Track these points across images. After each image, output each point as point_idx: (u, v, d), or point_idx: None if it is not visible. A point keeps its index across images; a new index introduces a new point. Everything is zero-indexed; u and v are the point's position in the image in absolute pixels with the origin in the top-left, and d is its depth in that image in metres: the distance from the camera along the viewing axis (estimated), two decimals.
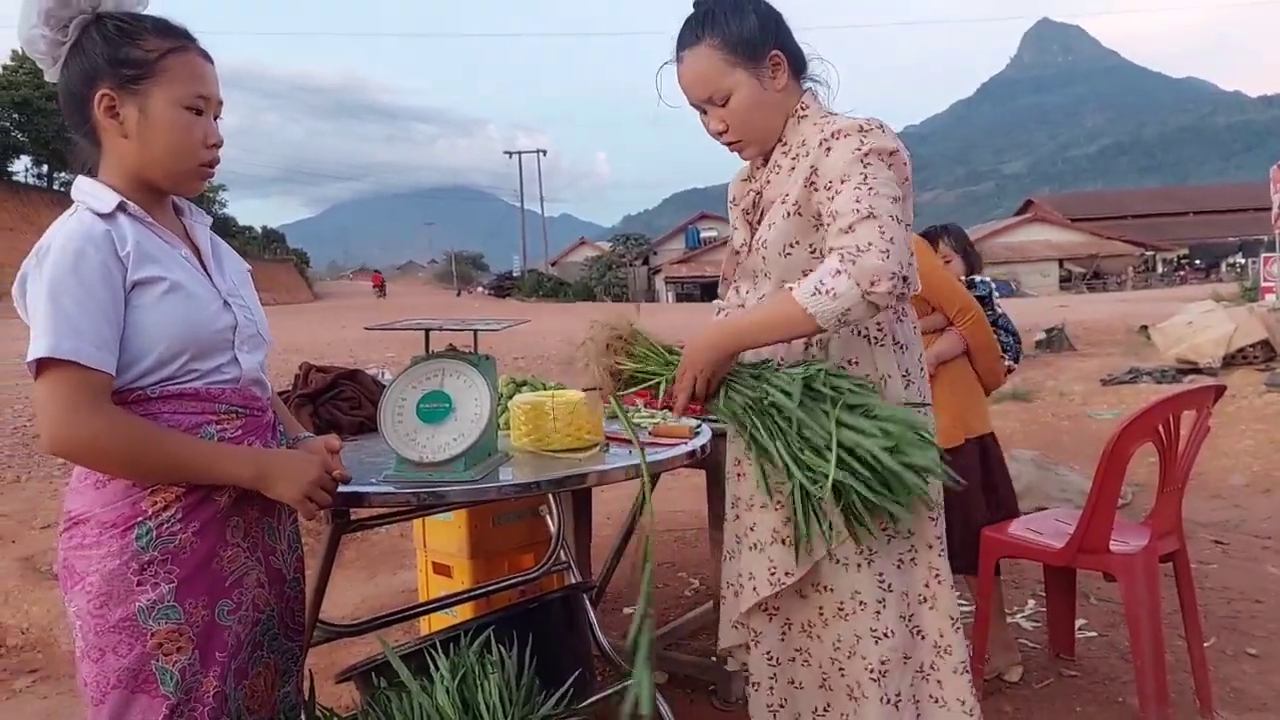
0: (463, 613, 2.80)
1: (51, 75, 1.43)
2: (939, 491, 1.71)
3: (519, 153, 63.64)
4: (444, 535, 3.04)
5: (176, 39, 1.43)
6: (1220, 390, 2.61)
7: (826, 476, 1.51)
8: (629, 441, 2.13)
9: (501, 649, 1.74)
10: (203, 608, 1.41)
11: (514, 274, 62.89)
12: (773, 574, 1.73)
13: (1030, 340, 13.41)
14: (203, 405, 1.42)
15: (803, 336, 1.60)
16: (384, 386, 2.29)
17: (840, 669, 1.72)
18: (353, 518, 2.05)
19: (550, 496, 2.87)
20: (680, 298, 48.07)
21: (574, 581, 2.75)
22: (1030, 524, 2.77)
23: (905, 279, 1.48)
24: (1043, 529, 2.70)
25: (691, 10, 1.72)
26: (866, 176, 1.54)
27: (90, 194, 1.40)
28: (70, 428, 1.30)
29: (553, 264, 63.73)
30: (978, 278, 3.33)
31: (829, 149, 1.60)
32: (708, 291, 42.05)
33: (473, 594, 2.75)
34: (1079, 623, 3.15)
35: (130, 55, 1.39)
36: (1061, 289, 45.37)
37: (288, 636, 1.60)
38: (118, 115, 1.39)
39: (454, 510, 2.89)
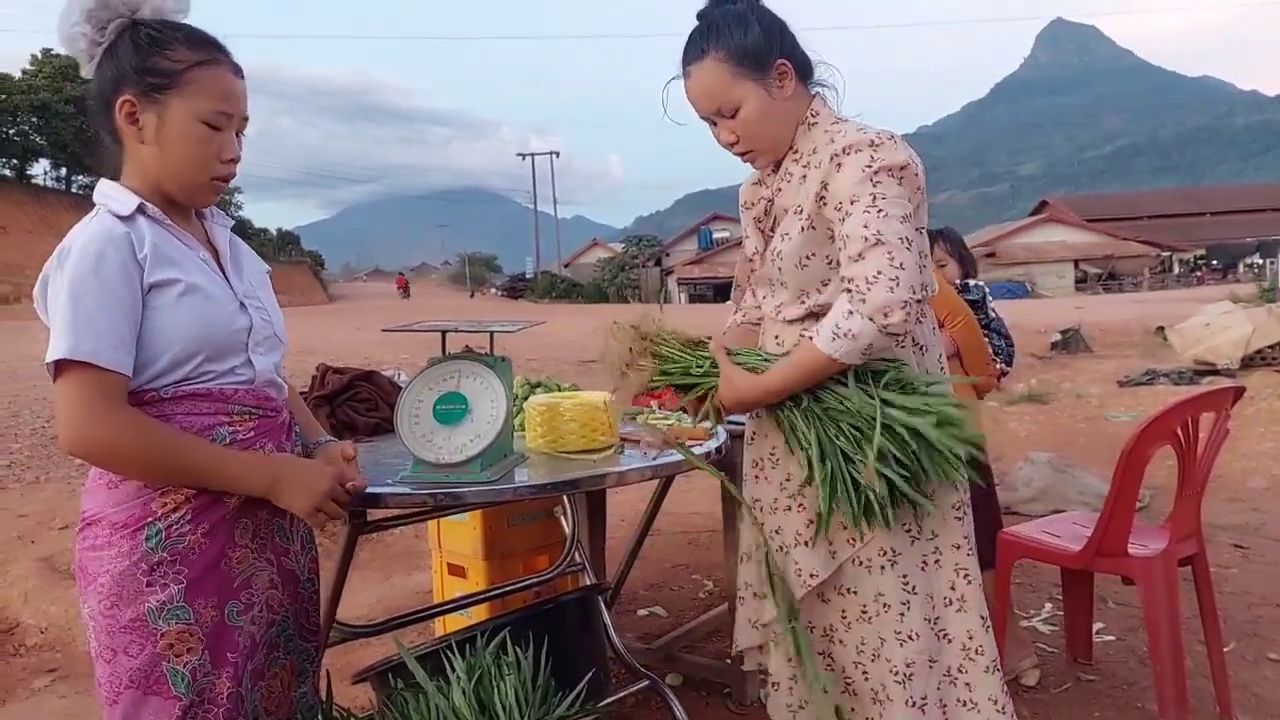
0: (478, 614, 2.80)
1: (87, 72, 1.44)
2: (965, 489, 1.71)
3: (532, 155, 63.81)
4: (459, 536, 3.04)
5: (207, 52, 1.44)
6: (1239, 392, 2.59)
7: (870, 455, 1.53)
8: (642, 443, 2.14)
9: (517, 650, 1.75)
10: (212, 608, 1.41)
11: (527, 275, 63.00)
12: (799, 576, 1.73)
13: (1046, 342, 13.34)
14: (216, 406, 1.43)
15: (832, 374, 1.60)
16: (400, 388, 2.30)
17: (864, 672, 1.71)
18: (369, 519, 2.06)
19: (565, 498, 2.87)
20: (693, 298, 48.03)
21: (589, 583, 2.75)
22: (1047, 527, 2.76)
23: (919, 301, 1.51)
24: (1060, 532, 2.68)
25: (695, 24, 1.71)
26: (875, 197, 1.55)
27: (111, 196, 1.41)
28: (88, 429, 1.31)
29: (565, 265, 63.80)
30: (972, 281, 3.36)
31: (839, 164, 1.60)
32: (720, 292, 42.01)
33: (488, 595, 2.76)
34: (1097, 626, 3.13)
35: (157, 65, 1.40)
36: (1077, 290, 45.09)
37: (303, 637, 1.61)
38: (137, 122, 1.41)
39: (469, 511, 2.89)
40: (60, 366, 1.31)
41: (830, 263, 1.67)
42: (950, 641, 1.69)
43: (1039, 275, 46.08)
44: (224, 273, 1.50)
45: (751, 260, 1.83)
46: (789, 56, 1.69)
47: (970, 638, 1.68)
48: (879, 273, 1.50)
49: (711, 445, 2.15)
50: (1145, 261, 49.14)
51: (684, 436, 2.15)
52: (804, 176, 1.68)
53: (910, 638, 1.66)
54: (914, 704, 1.65)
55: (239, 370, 1.46)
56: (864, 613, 1.70)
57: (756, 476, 1.84)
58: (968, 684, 1.68)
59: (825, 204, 1.63)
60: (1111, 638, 3.16)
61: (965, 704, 1.68)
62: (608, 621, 2.40)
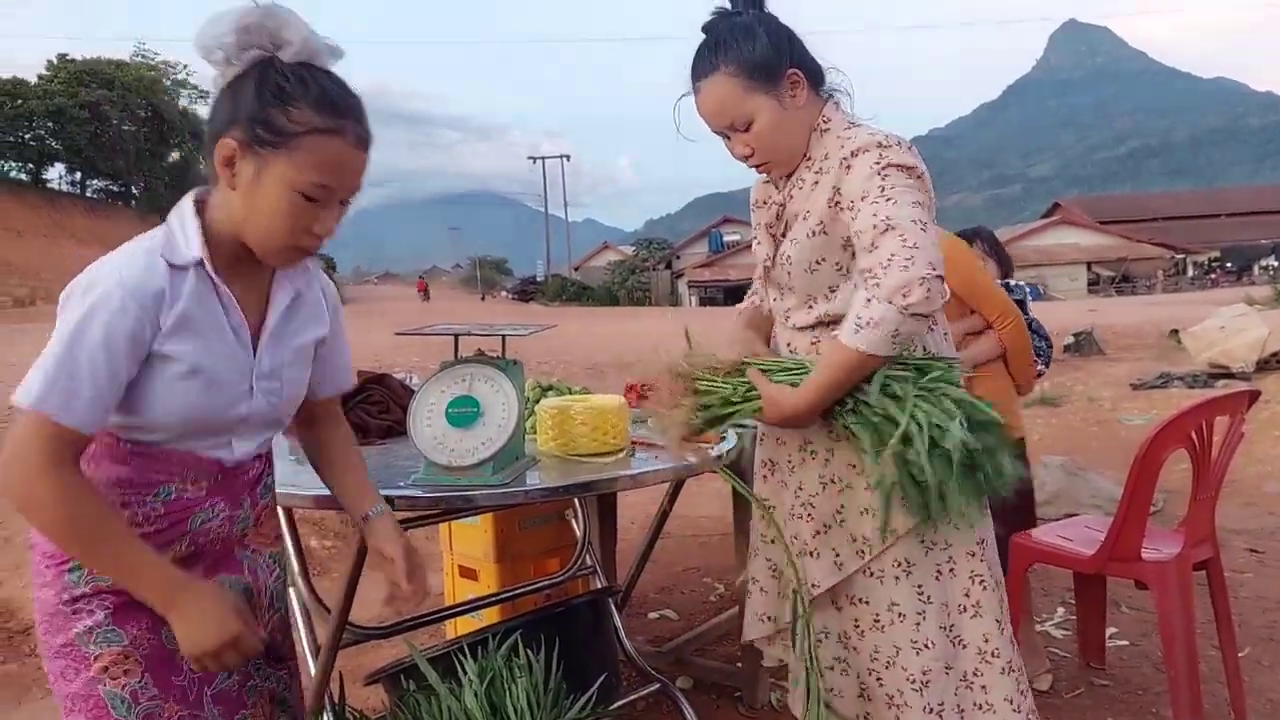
0: (489, 616, 2.81)
1: (213, 86, 1.34)
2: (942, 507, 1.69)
3: (542, 158, 63.96)
4: (470, 539, 3.05)
5: (333, 119, 1.30)
6: (1254, 395, 2.57)
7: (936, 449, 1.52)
8: (655, 446, 2.14)
9: (528, 653, 1.75)
10: (146, 630, 1.34)
11: (537, 279, 63.11)
12: (804, 584, 1.73)
13: (1059, 345, 13.28)
14: (173, 467, 1.35)
15: (872, 370, 1.57)
16: (412, 391, 2.31)
17: (879, 679, 1.71)
18: None
19: (576, 501, 2.88)
20: (703, 301, 48.02)
21: (600, 586, 2.75)
22: (1060, 530, 2.75)
23: (939, 277, 1.46)
24: (1073, 536, 2.67)
25: (702, 39, 1.70)
26: (884, 189, 1.54)
27: (179, 231, 1.33)
28: (24, 479, 1.23)
29: (576, 268, 63.88)
30: (1012, 281, 3.30)
31: (849, 167, 1.60)
32: (731, 295, 41.98)
33: (499, 598, 2.76)
34: (1110, 631, 3.11)
35: (273, 119, 1.27)
36: (1090, 292, 44.87)
37: (271, 665, 1.52)
38: (233, 167, 1.30)
39: (481, 514, 2.90)
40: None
41: (840, 269, 1.67)
42: (965, 647, 1.68)
43: (1051, 277, 45.86)
44: (255, 344, 1.40)
45: (764, 265, 1.83)
46: (799, 65, 1.68)
47: (986, 641, 1.67)
48: (892, 255, 1.47)
49: (724, 448, 2.15)
50: (1159, 264, 48.88)
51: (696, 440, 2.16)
52: (816, 183, 1.68)
53: (926, 646, 1.66)
54: (931, 710, 1.65)
55: (215, 450, 1.38)
56: (876, 621, 1.70)
57: (765, 476, 1.85)
58: (984, 687, 1.67)
59: (839, 208, 1.62)
60: (1125, 642, 3.14)
61: (981, 707, 1.67)
62: (618, 624, 2.40)
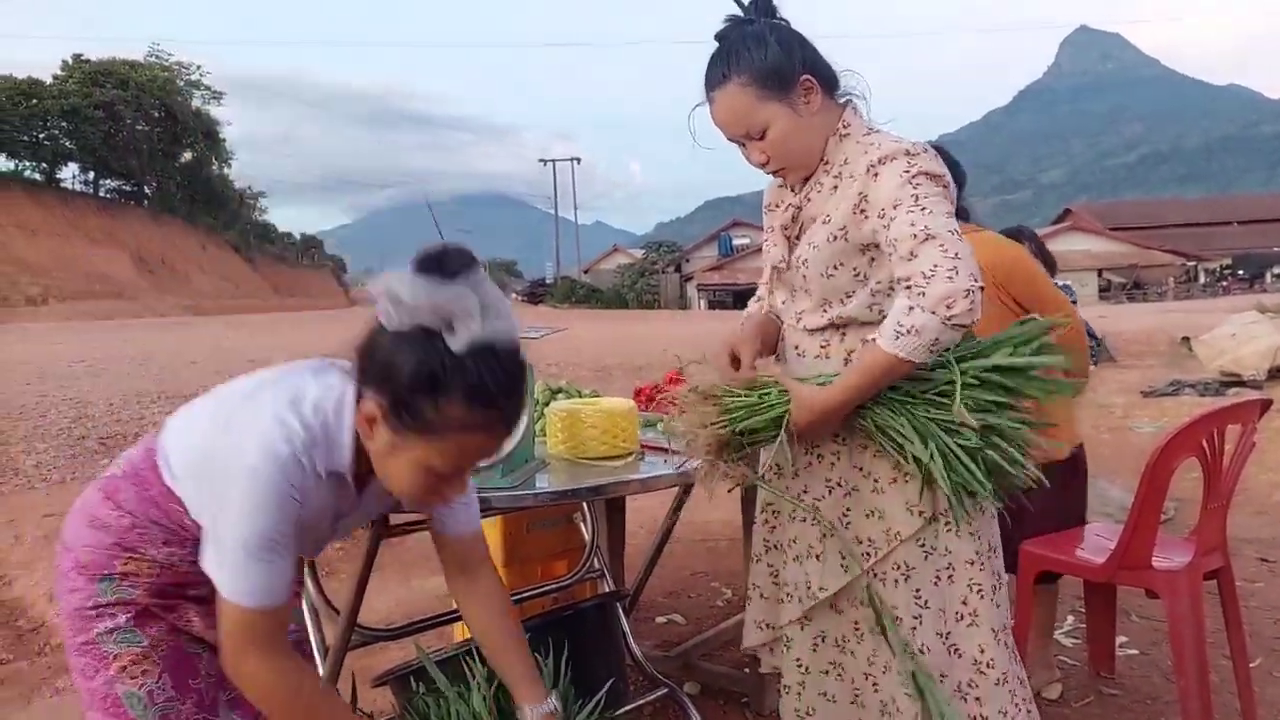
0: None
1: (384, 319, 1.26)
2: (985, 502, 1.69)
3: (553, 160, 64.05)
4: None
5: (485, 415, 1.25)
6: (1266, 404, 2.56)
7: (957, 399, 1.54)
8: (664, 449, 2.14)
9: (536, 656, 1.75)
10: (167, 633, 1.39)
11: (547, 281, 63.18)
12: (809, 588, 1.74)
13: None
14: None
15: (902, 375, 1.58)
16: None
17: (874, 684, 1.71)
18: (390, 523, 2.07)
19: (584, 504, 2.88)
20: (713, 305, 48.01)
21: (608, 590, 2.75)
22: (1070, 539, 2.73)
23: (981, 288, 1.48)
24: (1083, 544, 2.66)
25: (715, 48, 1.70)
26: (918, 197, 1.54)
27: (335, 434, 1.31)
28: (255, 666, 1.28)
29: (585, 271, 63.94)
30: (1059, 281, 3.25)
31: (876, 174, 1.59)
32: (740, 299, 41.95)
33: None
34: (1120, 640, 3.09)
35: (419, 408, 1.23)
36: (1101, 299, 44.72)
37: None
38: (372, 427, 1.28)
39: (489, 516, 2.90)
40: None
41: (857, 275, 1.67)
42: (961, 657, 1.68)
43: (1062, 284, 45.71)
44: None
45: (777, 268, 1.83)
46: (812, 71, 1.67)
47: (981, 651, 1.67)
48: (935, 265, 1.48)
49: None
50: (1170, 270, 48.67)
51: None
52: (835, 187, 1.68)
53: (921, 652, 1.66)
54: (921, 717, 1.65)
55: None
56: (876, 625, 1.69)
57: (771, 481, 1.85)
58: (978, 699, 1.67)
59: (865, 215, 1.62)
60: (1135, 651, 3.13)
61: (975, 718, 1.67)
62: (626, 629, 2.40)
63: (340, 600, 2.10)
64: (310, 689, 1.32)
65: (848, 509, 1.72)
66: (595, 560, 2.80)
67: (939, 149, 1.92)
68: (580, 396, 2.61)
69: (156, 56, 48.28)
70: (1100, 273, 48.16)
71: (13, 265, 33.32)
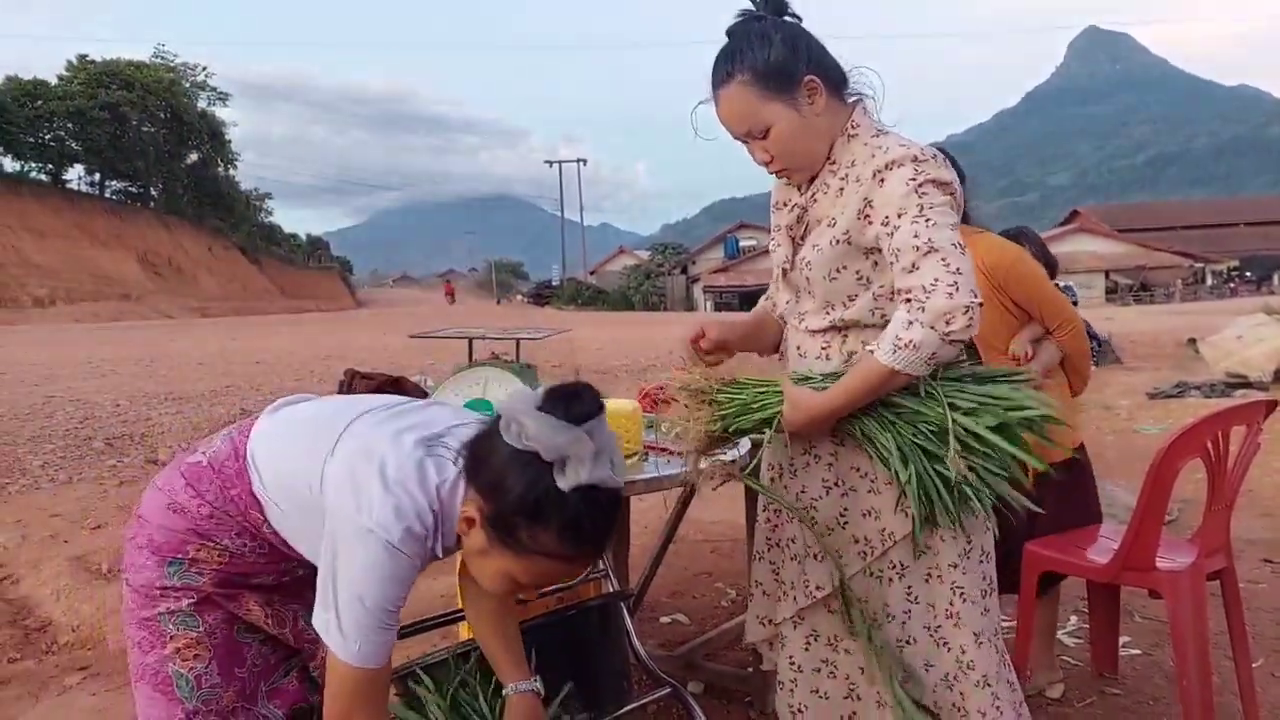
0: None
1: (504, 433, 1.33)
2: (962, 510, 1.69)
3: (560, 162, 64.12)
4: None
5: (572, 548, 1.33)
6: (1272, 405, 2.56)
7: (951, 446, 1.55)
8: (668, 450, 2.15)
9: (539, 656, 1.76)
10: (222, 622, 1.46)
11: (553, 283, 63.24)
12: (806, 587, 1.75)
13: None
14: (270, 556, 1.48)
15: (898, 386, 1.59)
16: (427, 394, 2.33)
17: (870, 678, 1.73)
18: None
19: None
20: (719, 307, 47.97)
21: (612, 590, 2.76)
22: (1074, 539, 2.74)
23: (980, 304, 1.49)
24: (1087, 544, 2.66)
25: (720, 47, 1.70)
26: (923, 208, 1.54)
27: (455, 518, 1.37)
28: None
29: (591, 273, 63.97)
30: (1060, 283, 3.22)
31: (883, 180, 1.59)
32: (747, 301, 41.92)
33: None
34: (1123, 640, 3.10)
35: (516, 529, 1.30)
36: (1108, 300, 44.60)
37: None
38: (468, 529, 1.36)
39: None
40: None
41: (860, 278, 1.67)
42: (948, 650, 1.70)
43: (1064, 285, 45.61)
44: None
45: (782, 267, 1.83)
46: (818, 71, 1.66)
47: (963, 652, 1.69)
48: (936, 280, 1.48)
49: (737, 452, 2.15)
50: (1178, 272, 48.52)
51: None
52: (841, 189, 1.67)
53: (910, 642, 1.69)
54: None
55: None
56: (873, 621, 1.72)
57: (773, 480, 1.86)
58: (961, 693, 1.69)
59: (870, 220, 1.61)
60: (1138, 652, 3.13)
61: (959, 709, 1.69)
62: (630, 628, 2.40)
63: None
64: None
65: (845, 509, 1.73)
66: (599, 560, 2.81)
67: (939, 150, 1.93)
68: None
69: (161, 57, 48.44)
70: (1107, 274, 48.02)
71: (20, 267, 33.46)
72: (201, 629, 1.44)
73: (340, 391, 2.56)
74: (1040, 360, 2.70)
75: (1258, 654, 2.96)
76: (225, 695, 1.46)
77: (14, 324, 26.93)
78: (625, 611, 2.39)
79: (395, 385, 2.57)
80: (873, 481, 1.69)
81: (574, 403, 1.29)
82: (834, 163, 1.70)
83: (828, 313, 1.72)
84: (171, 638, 1.43)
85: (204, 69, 51.03)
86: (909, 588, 1.69)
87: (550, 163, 64.63)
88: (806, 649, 1.79)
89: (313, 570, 1.41)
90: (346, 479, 1.33)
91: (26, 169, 41.24)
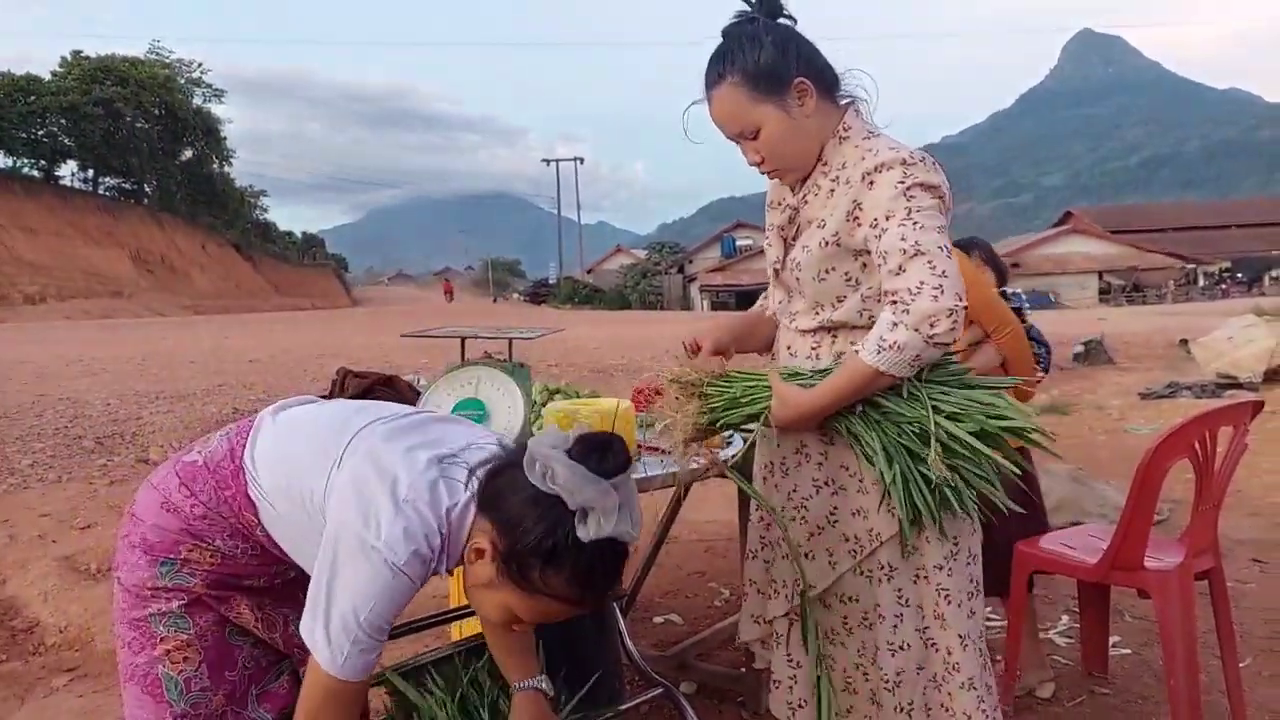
0: None
1: (527, 472, 1.33)
2: (943, 511, 1.69)
3: (557, 160, 64.07)
4: None
5: (579, 594, 1.34)
6: (1258, 406, 2.57)
7: (933, 450, 1.55)
8: (661, 450, 2.16)
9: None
10: (213, 624, 1.45)
11: (549, 281, 63.21)
12: (798, 585, 1.76)
13: (1068, 353, 13.25)
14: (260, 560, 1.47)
15: (884, 387, 1.61)
16: (420, 393, 2.33)
17: (864, 674, 1.75)
18: None
19: None
20: (715, 306, 47.99)
21: None
22: (1064, 539, 2.75)
23: (965, 307, 1.51)
24: (1077, 544, 2.67)
25: (716, 46, 1.71)
26: (911, 211, 1.56)
27: (462, 542, 1.37)
28: None
29: (588, 271, 63.96)
30: (1009, 289, 3.31)
31: (872, 182, 1.61)
32: (743, 300, 41.96)
33: None
34: (1113, 640, 3.11)
35: (528, 568, 1.30)
36: (1101, 301, 44.76)
37: None
38: (477, 560, 1.35)
39: None
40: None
41: (849, 279, 1.69)
42: (937, 651, 1.72)
43: (1062, 286, 45.75)
44: None
45: (774, 267, 1.84)
46: (808, 73, 1.67)
47: (949, 653, 1.70)
48: (922, 283, 1.50)
49: (729, 452, 2.16)
50: (1169, 273, 48.72)
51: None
52: (832, 191, 1.69)
53: (901, 648, 1.70)
54: (901, 709, 1.71)
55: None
56: (864, 619, 1.74)
57: (765, 479, 1.86)
58: (949, 694, 1.71)
59: (859, 223, 1.63)
60: (1128, 651, 3.14)
61: (946, 709, 1.71)
62: (623, 628, 2.41)
63: None
64: None
65: (835, 507, 1.74)
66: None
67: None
68: (579, 398, 2.62)
69: (156, 54, 48.28)
70: (1101, 275, 48.19)
71: (11, 264, 33.31)
72: (192, 631, 1.43)
73: (333, 390, 2.56)
74: (977, 361, 2.78)
75: (1245, 653, 2.98)
76: (214, 699, 1.45)
77: (4, 321, 26.82)
78: (618, 611, 2.40)
79: (388, 384, 2.57)
80: (861, 481, 1.71)
81: (606, 456, 1.30)
82: (825, 164, 1.71)
83: (817, 313, 1.74)
84: (162, 639, 1.42)
85: (199, 65, 50.89)
86: (899, 590, 1.70)
87: (548, 161, 64.61)
88: (804, 643, 1.80)
89: (305, 574, 1.40)
90: (353, 492, 1.32)
91: (19, 165, 41.05)
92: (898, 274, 1.54)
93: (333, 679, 1.29)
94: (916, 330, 1.50)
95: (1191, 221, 60.25)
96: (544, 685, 1.64)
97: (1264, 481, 5.59)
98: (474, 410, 1.85)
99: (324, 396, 2.43)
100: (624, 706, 2.13)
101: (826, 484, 1.74)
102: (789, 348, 1.81)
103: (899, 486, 1.59)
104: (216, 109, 51.81)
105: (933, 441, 1.55)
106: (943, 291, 1.49)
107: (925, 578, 1.71)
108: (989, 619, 2.66)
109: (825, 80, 1.70)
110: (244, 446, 1.45)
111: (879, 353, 1.53)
